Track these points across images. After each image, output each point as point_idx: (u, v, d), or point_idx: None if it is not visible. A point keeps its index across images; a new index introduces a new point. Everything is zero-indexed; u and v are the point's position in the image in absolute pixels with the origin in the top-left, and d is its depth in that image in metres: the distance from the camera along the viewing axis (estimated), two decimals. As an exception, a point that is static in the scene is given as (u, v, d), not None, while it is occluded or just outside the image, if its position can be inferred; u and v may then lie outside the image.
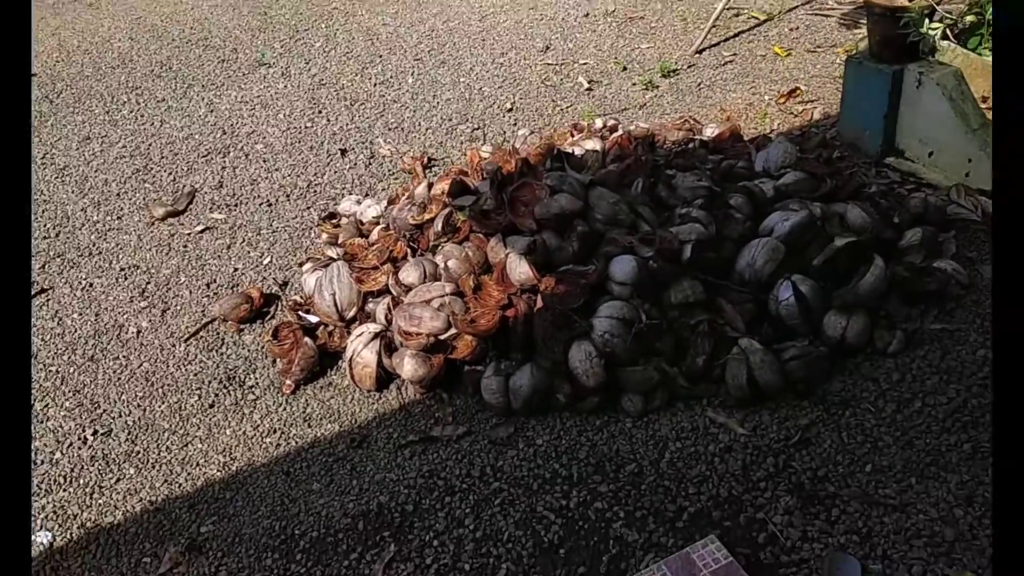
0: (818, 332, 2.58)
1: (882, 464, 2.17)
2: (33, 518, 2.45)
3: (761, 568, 1.97)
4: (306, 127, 4.51)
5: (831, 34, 4.59)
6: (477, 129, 4.28)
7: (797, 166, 3.14)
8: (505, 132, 4.22)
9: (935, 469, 2.12)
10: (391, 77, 4.94)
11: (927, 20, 3.24)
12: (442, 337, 2.70)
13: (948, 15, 3.55)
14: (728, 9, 4.85)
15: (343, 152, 4.22)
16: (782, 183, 3.01)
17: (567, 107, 4.36)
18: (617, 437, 2.42)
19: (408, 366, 2.66)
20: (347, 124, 4.49)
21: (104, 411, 2.82)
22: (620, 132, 3.80)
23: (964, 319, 2.59)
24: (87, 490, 2.52)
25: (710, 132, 3.71)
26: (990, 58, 3.75)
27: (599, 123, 3.97)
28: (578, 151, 3.46)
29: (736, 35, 4.78)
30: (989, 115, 3.49)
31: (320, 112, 4.64)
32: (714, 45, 4.70)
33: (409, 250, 3.12)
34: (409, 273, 2.93)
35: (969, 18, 3.83)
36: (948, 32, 3.44)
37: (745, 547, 2.03)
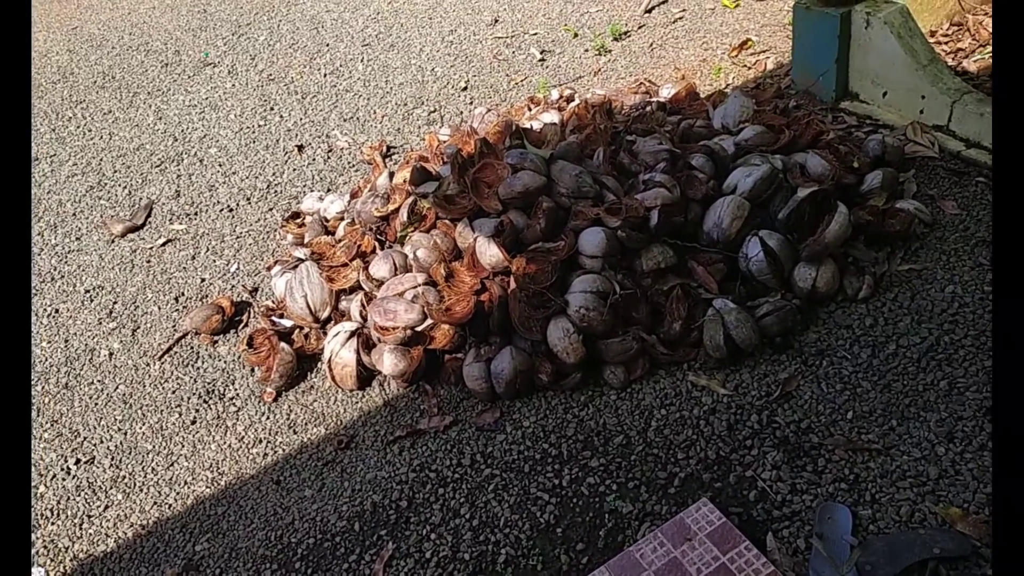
0: (789, 285, 2.61)
1: (863, 410, 2.21)
2: (25, 555, 2.42)
3: (755, 525, 2.00)
4: (259, 126, 4.42)
5: (778, -20, 4.57)
6: (433, 112, 4.22)
7: (755, 120, 3.14)
8: (462, 112, 4.17)
9: (914, 409, 2.16)
10: (341, 66, 4.85)
11: (870, -41, 3.23)
12: (419, 329, 2.68)
13: (891, -49, 3.54)
14: (673, -36, 4.80)
15: (300, 148, 4.14)
16: (741, 138, 3.00)
17: (521, 80, 4.31)
18: (603, 410, 2.44)
19: (388, 361, 2.65)
20: (301, 119, 4.40)
21: (85, 438, 2.78)
22: (577, 101, 3.77)
23: (930, 257, 2.62)
24: (76, 521, 2.49)
25: (666, 93, 3.70)
26: (935, -9, 3.76)
27: (555, 94, 3.94)
28: (536, 125, 3.43)
29: (684, -10, 4.74)
30: (938, 49, 3.51)
31: (272, 109, 4.55)
32: (663, 2, 4.66)
33: (377, 243, 3.08)
34: (379, 267, 2.91)
35: (911, -47, 3.84)
36: (892, -31, 3.43)
37: (737, 506, 2.06)
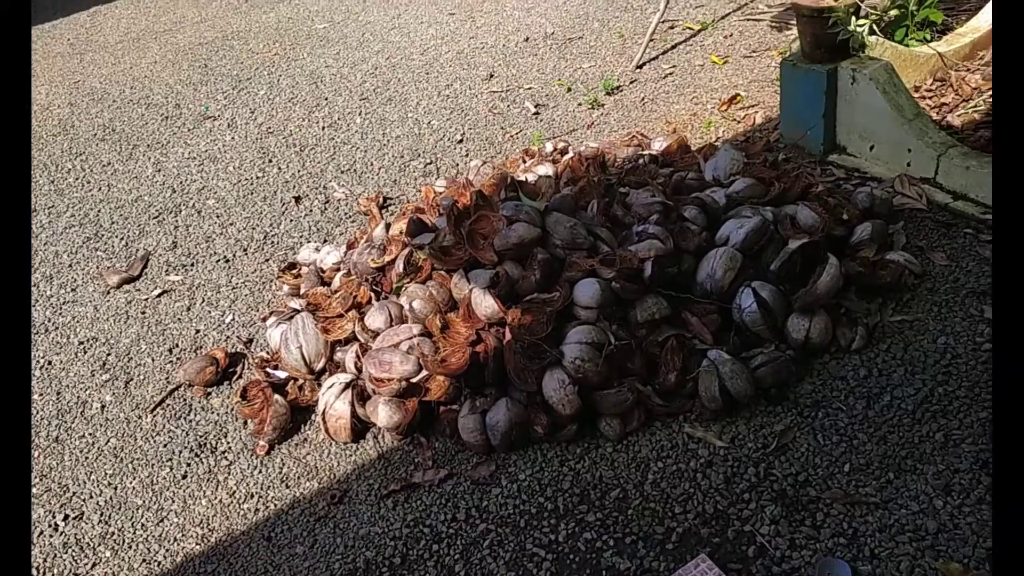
0: (783, 336, 2.62)
1: (860, 463, 2.20)
2: (8, 616, 2.36)
3: (753, 581, 1.98)
4: (257, 177, 4.47)
5: (764, 38, 4.71)
6: (429, 164, 4.29)
7: (745, 172, 3.19)
8: (457, 164, 4.23)
9: (911, 462, 2.16)
10: (339, 119, 4.93)
11: (854, 18, 3.34)
12: (414, 380, 2.68)
13: (873, 10, 3.66)
14: (663, 23, 4.95)
15: (297, 200, 4.19)
16: (732, 190, 3.05)
17: (516, 133, 4.39)
18: (599, 463, 2.42)
19: (383, 413, 2.64)
20: (299, 171, 4.46)
21: (74, 493, 2.74)
22: (571, 154, 3.83)
23: (921, 308, 2.64)
24: (63, 580, 2.44)
25: (658, 146, 3.76)
26: (917, 48, 3.88)
27: (549, 147, 4.00)
28: (531, 177, 3.48)
29: (673, 47, 4.87)
30: (922, 104, 3.60)
31: (270, 161, 4.61)
32: (653, 59, 4.78)
33: (373, 294, 3.10)
34: (375, 318, 2.91)
35: (893, 12, 3.98)
36: (875, 27, 3.54)
37: (736, 562, 2.03)
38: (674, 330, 2.66)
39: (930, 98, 3.75)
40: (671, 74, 4.59)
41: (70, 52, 6.95)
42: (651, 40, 4.75)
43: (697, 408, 2.52)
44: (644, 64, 4.74)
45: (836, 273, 2.60)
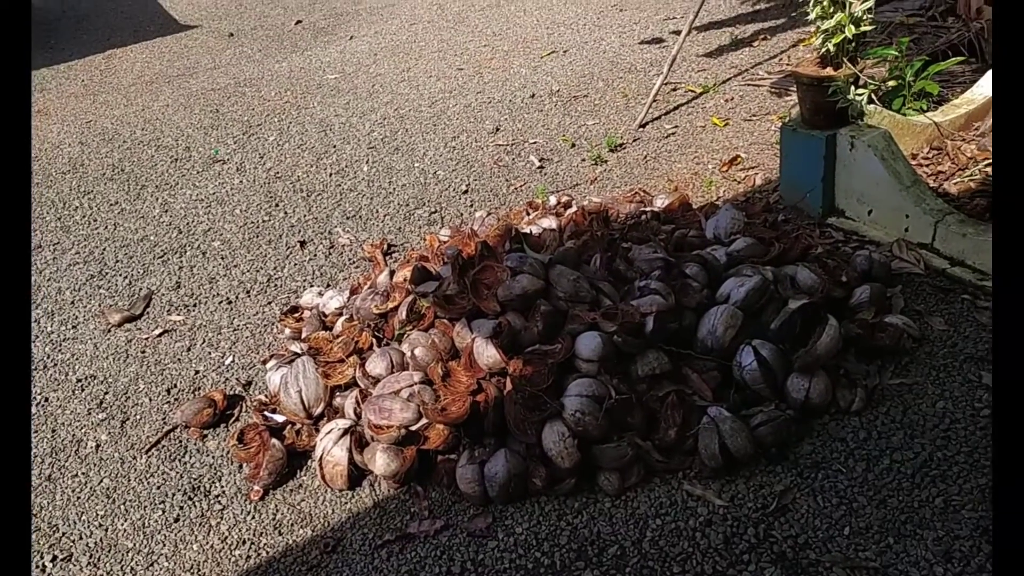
0: (783, 395, 2.63)
1: (859, 526, 2.19)
2: (-12, 660, 2.30)
3: (752, 645, 1.95)
4: (263, 221, 4.52)
5: (764, 103, 4.83)
6: (434, 213, 4.35)
7: (745, 232, 3.25)
8: (462, 214, 4.29)
9: (911, 527, 2.15)
10: (346, 166, 5.02)
11: (852, 87, 3.44)
12: (413, 428, 2.67)
13: (871, 80, 3.78)
14: (666, 84, 5.08)
15: (302, 244, 4.23)
16: (733, 249, 3.10)
17: (521, 186, 4.47)
18: (597, 518, 2.40)
19: (380, 461, 2.62)
20: (305, 215, 4.51)
21: (64, 534, 2.70)
22: (574, 208, 3.89)
23: (920, 372, 2.66)
24: (47, 623, 2.39)
25: (660, 203, 3.83)
26: (914, 117, 3.99)
27: (553, 200, 4.07)
28: (535, 230, 3.53)
29: (676, 108, 5.00)
30: (919, 172, 3.68)
31: (277, 205, 4.67)
32: (656, 119, 4.90)
33: (374, 340, 3.11)
34: (376, 364, 2.92)
35: (891, 82, 4.10)
36: (873, 96, 3.65)
37: (734, 625, 2.00)
38: (675, 385, 2.67)
39: (927, 166, 3.84)
40: (673, 134, 4.70)
41: (83, 92, 7.08)
42: (654, 101, 4.88)
43: (696, 465, 2.51)
44: (647, 123, 4.86)
45: (835, 334, 2.63)
